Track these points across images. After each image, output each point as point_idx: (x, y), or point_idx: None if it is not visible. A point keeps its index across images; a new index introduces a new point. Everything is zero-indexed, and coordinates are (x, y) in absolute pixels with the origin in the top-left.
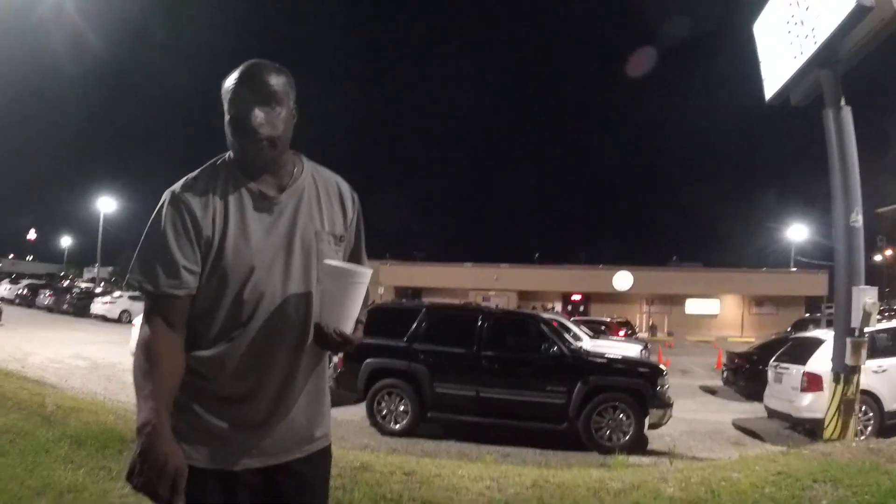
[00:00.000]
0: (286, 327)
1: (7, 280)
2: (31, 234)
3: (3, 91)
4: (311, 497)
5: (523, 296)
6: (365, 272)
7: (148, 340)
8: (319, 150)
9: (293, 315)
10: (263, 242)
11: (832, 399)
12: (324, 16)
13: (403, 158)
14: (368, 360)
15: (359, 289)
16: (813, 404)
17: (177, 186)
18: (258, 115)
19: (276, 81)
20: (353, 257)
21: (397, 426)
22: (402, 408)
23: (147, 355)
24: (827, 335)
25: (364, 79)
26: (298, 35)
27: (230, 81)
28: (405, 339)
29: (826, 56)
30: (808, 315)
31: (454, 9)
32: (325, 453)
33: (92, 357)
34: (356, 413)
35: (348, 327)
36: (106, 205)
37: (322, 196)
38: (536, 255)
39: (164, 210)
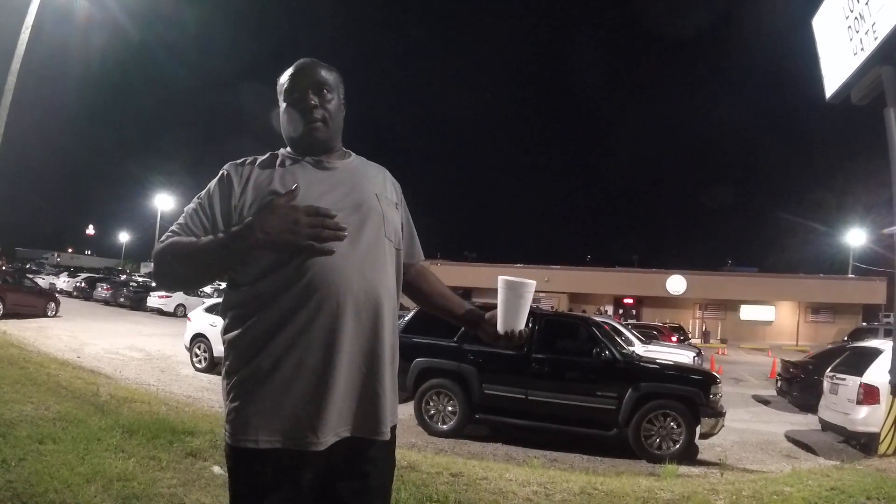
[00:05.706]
0: (349, 291)
1: (66, 273)
2: (90, 230)
3: (64, 89)
4: (377, 481)
5: (574, 298)
6: (533, 283)
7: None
8: (370, 146)
9: (356, 276)
10: (323, 201)
11: (888, 412)
12: (338, 16)
13: (455, 159)
14: (418, 360)
15: (529, 297)
16: (869, 417)
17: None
18: (312, 97)
19: (327, 73)
20: (410, 247)
21: (445, 426)
22: (450, 408)
23: (168, 244)
24: (886, 345)
25: (411, 83)
26: (307, 37)
27: (285, 75)
28: (455, 339)
29: (887, 52)
30: (865, 324)
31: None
32: (393, 435)
33: (147, 349)
34: (403, 412)
35: (521, 327)
36: (163, 202)
37: (373, 172)
38: (588, 257)
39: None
